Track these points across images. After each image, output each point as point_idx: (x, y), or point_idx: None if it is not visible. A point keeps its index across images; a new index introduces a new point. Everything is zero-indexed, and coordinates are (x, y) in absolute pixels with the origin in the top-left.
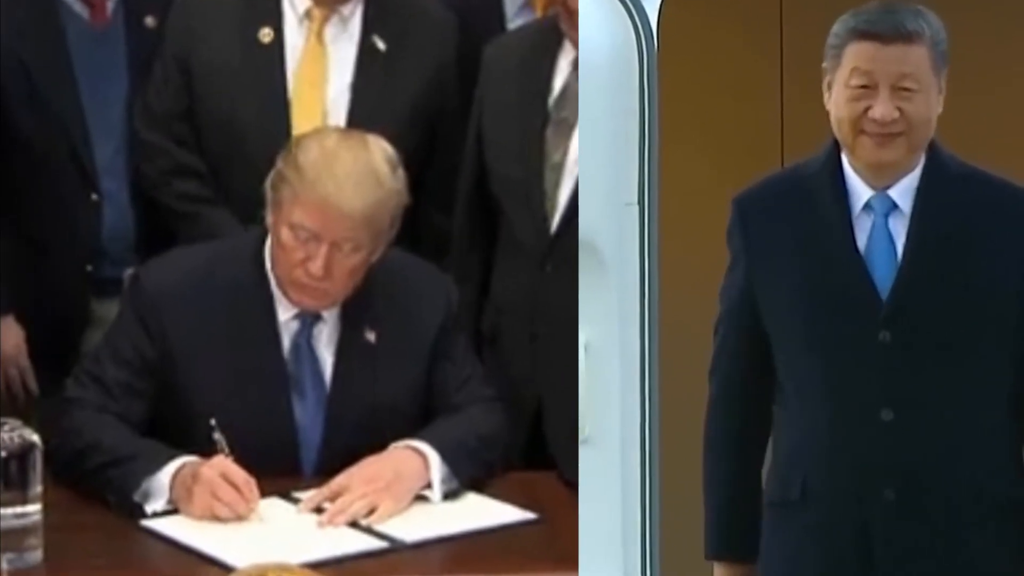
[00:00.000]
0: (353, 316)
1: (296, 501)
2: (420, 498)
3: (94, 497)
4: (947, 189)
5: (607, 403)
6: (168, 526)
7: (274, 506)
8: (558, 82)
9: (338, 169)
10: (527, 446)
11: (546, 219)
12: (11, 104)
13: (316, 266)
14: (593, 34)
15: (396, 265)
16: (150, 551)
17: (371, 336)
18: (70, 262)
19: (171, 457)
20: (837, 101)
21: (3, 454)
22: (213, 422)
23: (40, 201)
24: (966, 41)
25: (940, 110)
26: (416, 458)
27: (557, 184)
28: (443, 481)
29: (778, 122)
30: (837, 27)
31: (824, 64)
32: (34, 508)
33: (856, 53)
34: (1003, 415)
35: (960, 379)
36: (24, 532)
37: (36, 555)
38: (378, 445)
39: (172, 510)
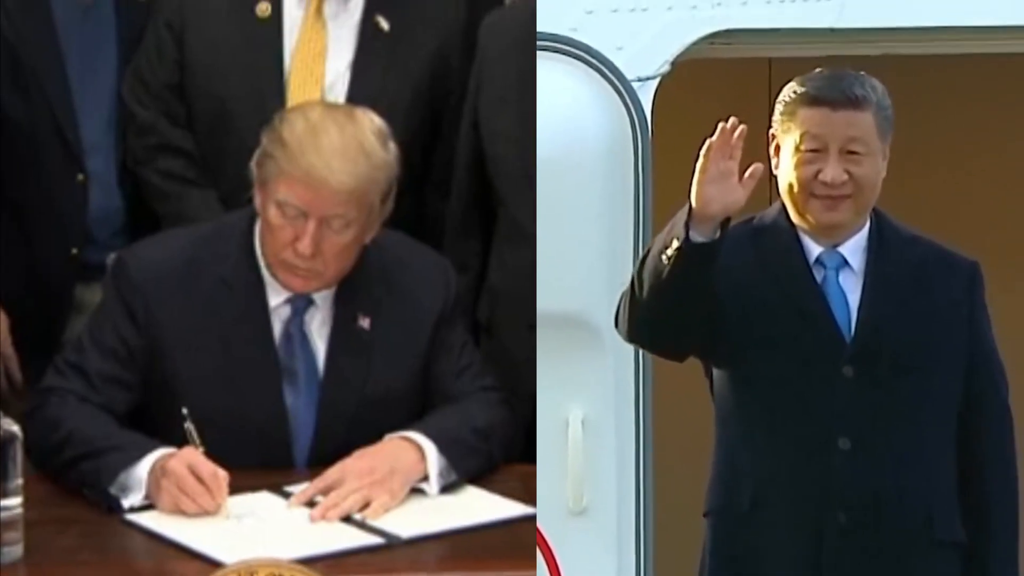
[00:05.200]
0: (347, 301)
1: (287, 495)
2: (416, 492)
3: (76, 491)
4: (895, 247)
5: (604, 476)
6: (153, 520)
7: (265, 500)
8: None
9: (324, 142)
10: (528, 440)
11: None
12: None
13: (304, 244)
14: (585, 121)
15: (393, 248)
16: (134, 546)
17: (365, 322)
18: (55, 245)
19: (150, 449)
20: (787, 166)
21: None
22: (185, 411)
23: (24, 181)
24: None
25: (884, 175)
26: (412, 450)
27: None
28: (441, 474)
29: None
30: (786, 94)
31: (772, 130)
32: (14, 501)
33: (807, 118)
34: (951, 459)
35: (914, 418)
36: (4, 526)
37: (16, 550)
38: (373, 437)
39: (151, 504)
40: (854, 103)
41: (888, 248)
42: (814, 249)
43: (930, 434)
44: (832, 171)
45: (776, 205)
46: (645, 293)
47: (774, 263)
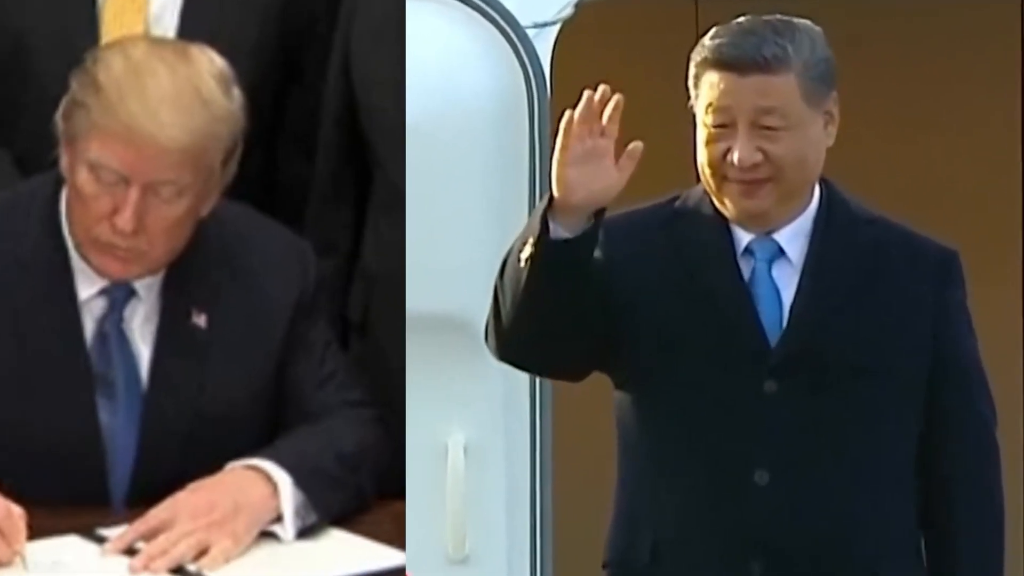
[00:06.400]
0: (178, 291)
1: (102, 540)
2: (267, 536)
3: None
4: (846, 231)
5: (491, 516)
6: None
7: (73, 546)
8: None
9: (150, 87)
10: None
11: None
12: None
13: (124, 218)
14: (473, 77)
15: (236, 223)
16: None
17: (200, 319)
18: None
19: None
20: (698, 142)
21: None
22: None
23: None
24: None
25: (830, 142)
26: (261, 483)
27: None
28: (297, 513)
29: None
30: (695, 51)
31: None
32: None
33: (711, 86)
34: (907, 486)
35: (856, 439)
36: None
37: None
38: (212, 465)
39: None
40: (765, 66)
41: (836, 232)
42: (743, 237)
43: (881, 458)
44: (741, 151)
45: (703, 185)
46: (507, 304)
47: (693, 253)
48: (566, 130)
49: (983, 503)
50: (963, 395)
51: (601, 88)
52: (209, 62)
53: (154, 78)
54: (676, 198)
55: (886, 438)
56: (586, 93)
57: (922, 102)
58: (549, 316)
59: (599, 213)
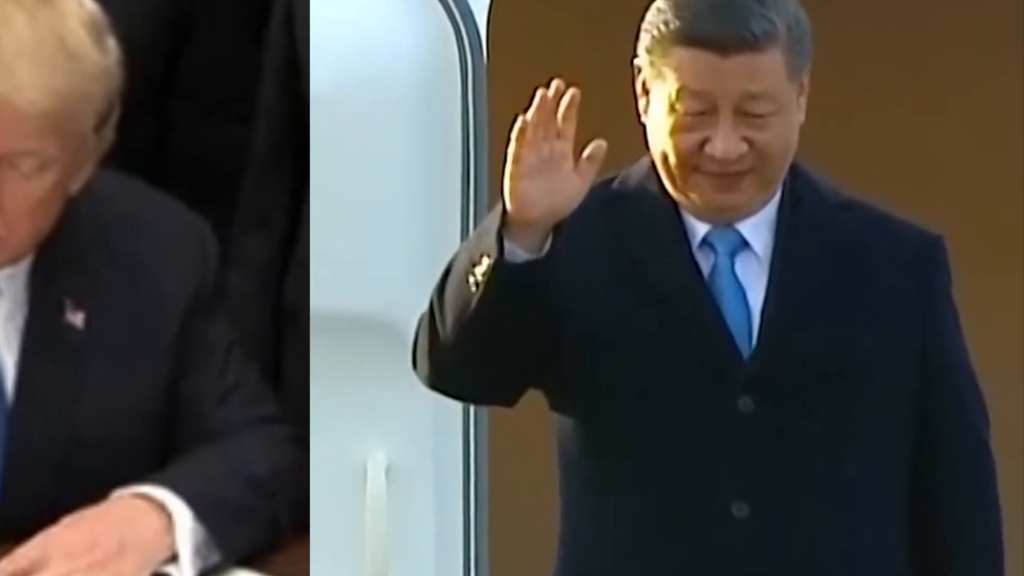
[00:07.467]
0: (47, 282)
1: None
2: None
3: None
4: (817, 218)
5: (418, 549)
6: None
7: None
8: None
9: (4, 40)
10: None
11: None
12: None
13: None
14: (394, 38)
15: (117, 200)
16: None
17: (76, 317)
18: None
19: None
20: (659, 127)
21: None
22: None
23: None
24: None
25: (802, 117)
26: (153, 514)
27: None
28: (197, 551)
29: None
30: (654, 19)
31: (636, 60)
32: None
33: (684, 67)
34: (902, 512)
35: (840, 457)
36: None
37: None
38: (92, 493)
39: None
40: (753, 44)
41: (806, 219)
42: (699, 227)
43: (875, 481)
44: (725, 142)
45: (644, 162)
46: (448, 328)
47: (640, 242)
48: (519, 138)
49: (977, 527)
50: (953, 401)
51: (555, 83)
52: (77, 6)
53: (9, 28)
54: (613, 179)
55: (880, 458)
56: (539, 92)
57: (905, 64)
58: (501, 342)
59: (558, 226)
